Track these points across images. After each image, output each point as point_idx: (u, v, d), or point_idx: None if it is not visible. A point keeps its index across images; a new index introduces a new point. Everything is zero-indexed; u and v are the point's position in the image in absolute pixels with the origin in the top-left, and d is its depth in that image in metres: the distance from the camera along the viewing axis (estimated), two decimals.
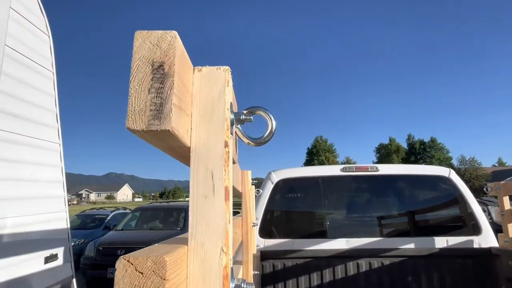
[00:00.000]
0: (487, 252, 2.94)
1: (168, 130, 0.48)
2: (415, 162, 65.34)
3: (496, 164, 73.59)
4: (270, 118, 0.78)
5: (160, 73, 0.50)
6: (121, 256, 0.44)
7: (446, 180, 3.26)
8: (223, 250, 0.56)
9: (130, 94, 0.49)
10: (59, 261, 2.96)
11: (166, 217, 9.29)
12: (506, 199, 2.89)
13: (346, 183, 3.49)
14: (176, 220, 8.93)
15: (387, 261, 2.99)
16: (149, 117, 0.48)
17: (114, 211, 12.97)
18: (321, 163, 65.89)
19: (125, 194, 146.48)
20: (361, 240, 3.11)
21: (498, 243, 2.96)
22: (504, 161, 78.10)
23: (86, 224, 11.48)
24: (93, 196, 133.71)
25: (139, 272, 0.44)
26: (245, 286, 0.66)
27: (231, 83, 0.68)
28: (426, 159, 68.30)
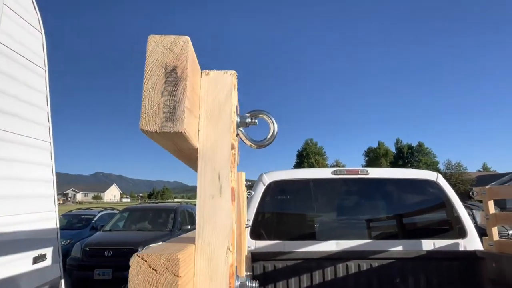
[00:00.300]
0: (473, 255, 3.01)
1: (181, 132, 0.50)
2: (403, 166, 66.22)
3: (481, 169, 75.18)
4: (272, 122, 0.80)
5: (173, 77, 0.52)
6: (135, 254, 0.46)
7: (434, 184, 3.33)
8: (229, 249, 0.57)
9: (143, 97, 0.51)
10: (48, 262, 2.91)
11: (155, 218, 9.20)
12: (490, 204, 2.97)
13: (336, 186, 3.53)
14: (165, 221, 8.86)
15: (375, 263, 3.03)
16: (162, 119, 0.50)
17: (101, 211, 12.79)
18: (311, 165, 66.20)
19: (112, 194, 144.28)
20: (351, 242, 3.15)
21: (483, 246, 3.04)
22: (488, 166, 79.99)
23: (72, 225, 11.29)
24: (79, 196, 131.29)
25: (152, 269, 0.45)
26: (249, 284, 0.68)
27: (236, 87, 0.70)
28: (414, 163, 69.28)
